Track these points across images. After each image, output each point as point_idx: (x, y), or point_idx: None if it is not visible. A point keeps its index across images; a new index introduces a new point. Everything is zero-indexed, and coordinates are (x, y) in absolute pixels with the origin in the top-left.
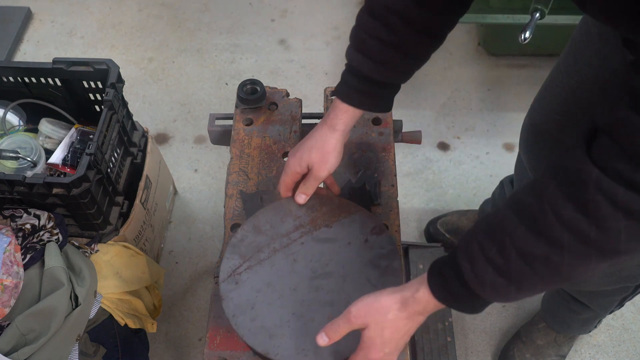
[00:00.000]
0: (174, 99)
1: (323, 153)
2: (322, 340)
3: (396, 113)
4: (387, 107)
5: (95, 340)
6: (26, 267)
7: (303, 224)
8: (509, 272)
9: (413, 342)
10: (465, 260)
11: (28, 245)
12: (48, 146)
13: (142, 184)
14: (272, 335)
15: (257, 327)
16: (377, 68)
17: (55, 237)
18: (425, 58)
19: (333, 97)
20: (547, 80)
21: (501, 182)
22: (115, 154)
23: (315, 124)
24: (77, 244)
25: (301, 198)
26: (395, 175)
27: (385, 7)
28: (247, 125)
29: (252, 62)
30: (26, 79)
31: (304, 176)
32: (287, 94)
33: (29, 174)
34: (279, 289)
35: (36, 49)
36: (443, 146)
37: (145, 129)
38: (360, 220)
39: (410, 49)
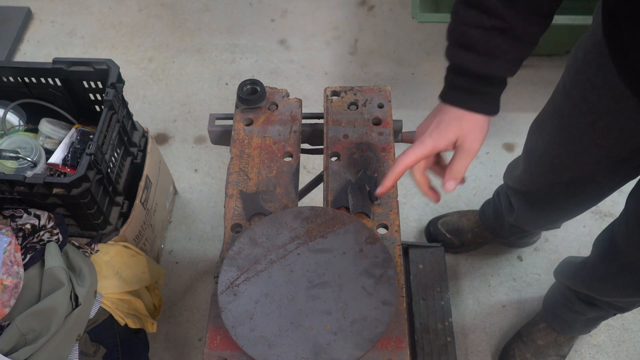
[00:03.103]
0: (174, 99)
1: (476, 122)
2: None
3: (396, 113)
4: (497, 107)
5: (95, 340)
6: (26, 267)
7: (299, 235)
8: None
9: (413, 342)
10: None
11: (28, 245)
12: (48, 146)
13: (142, 184)
14: (272, 345)
15: (256, 338)
16: (485, 60)
17: (55, 237)
18: (534, 42)
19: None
20: (537, 149)
21: (497, 192)
22: (115, 154)
23: (316, 124)
24: (77, 244)
25: (452, 185)
26: None
27: None
28: (247, 125)
29: (252, 62)
30: (26, 79)
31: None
32: (287, 94)
33: (29, 174)
34: (277, 299)
35: (36, 49)
36: None
37: (145, 129)
38: (355, 230)
39: (517, 31)
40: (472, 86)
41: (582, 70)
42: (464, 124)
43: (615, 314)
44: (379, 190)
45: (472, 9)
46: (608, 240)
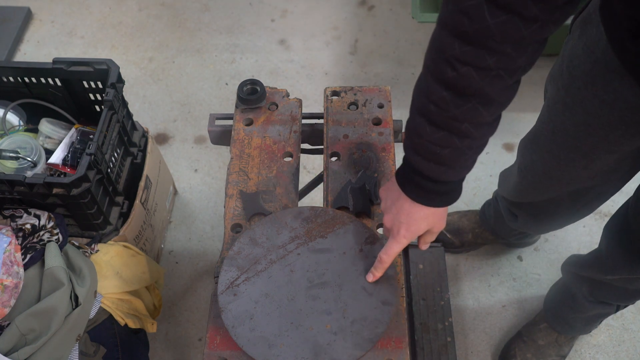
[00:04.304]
0: (174, 99)
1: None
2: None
3: (396, 113)
4: (459, 194)
5: (95, 340)
6: (26, 267)
7: (299, 236)
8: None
9: (413, 342)
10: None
11: (28, 245)
12: (48, 146)
13: (142, 184)
14: (272, 345)
15: (256, 338)
16: (456, 171)
17: (55, 237)
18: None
19: (405, 197)
20: (536, 166)
21: (495, 195)
22: (115, 154)
23: (315, 124)
24: (77, 244)
25: (426, 247)
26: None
27: (452, 118)
28: (247, 125)
29: (252, 62)
30: (26, 79)
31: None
32: (287, 94)
33: (29, 174)
34: (277, 300)
35: (36, 49)
36: None
37: (145, 129)
38: (355, 230)
39: (483, 141)
40: (442, 189)
41: (586, 88)
42: (430, 219)
43: (617, 311)
44: (370, 279)
45: (440, 130)
46: (620, 224)
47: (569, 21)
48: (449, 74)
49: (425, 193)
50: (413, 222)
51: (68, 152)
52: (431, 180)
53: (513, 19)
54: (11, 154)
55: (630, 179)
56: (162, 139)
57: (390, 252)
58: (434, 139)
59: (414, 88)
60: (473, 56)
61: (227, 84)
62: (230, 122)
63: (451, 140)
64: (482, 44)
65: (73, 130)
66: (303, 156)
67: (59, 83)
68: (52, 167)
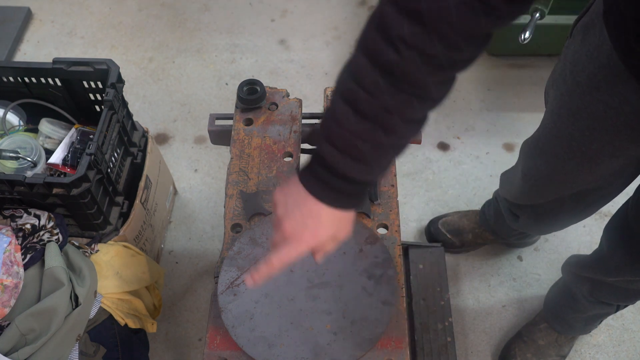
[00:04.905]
0: (174, 99)
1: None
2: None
3: None
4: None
5: (95, 340)
6: (26, 267)
7: None
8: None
9: (413, 342)
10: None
11: (28, 245)
12: (48, 146)
13: (142, 184)
14: (272, 345)
15: (256, 337)
16: (373, 171)
17: (55, 237)
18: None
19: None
20: (540, 170)
21: (495, 195)
22: (115, 154)
23: (316, 124)
24: (77, 244)
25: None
26: (395, 175)
27: (382, 108)
28: (247, 125)
29: (252, 62)
30: (26, 79)
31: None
32: (287, 94)
33: (29, 174)
34: (277, 299)
35: (36, 49)
36: (443, 146)
37: (145, 129)
38: (355, 230)
39: (408, 141)
40: (354, 189)
41: (591, 93)
42: (338, 224)
43: (617, 310)
44: (248, 283)
45: (365, 121)
46: (620, 226)
47: (569, 22)
48: (390, 56)
49: (336, 194)
50: (321, 226)
51: (68, 152)
52: (344, 179)
53: (474, 2)
54: (11, 154)
55: (633, 180)
56: (162, 139)
57: (286, 259)
58: (357, 130)
59: (340, 72)
60: (422, 39)
61: (227, 84)
62: (230, 122)
63: (376, 133)
64: (434, 26)
65: (73, 130)
66: (303, 156)
67: (59, 83)
68: (52, 167)
